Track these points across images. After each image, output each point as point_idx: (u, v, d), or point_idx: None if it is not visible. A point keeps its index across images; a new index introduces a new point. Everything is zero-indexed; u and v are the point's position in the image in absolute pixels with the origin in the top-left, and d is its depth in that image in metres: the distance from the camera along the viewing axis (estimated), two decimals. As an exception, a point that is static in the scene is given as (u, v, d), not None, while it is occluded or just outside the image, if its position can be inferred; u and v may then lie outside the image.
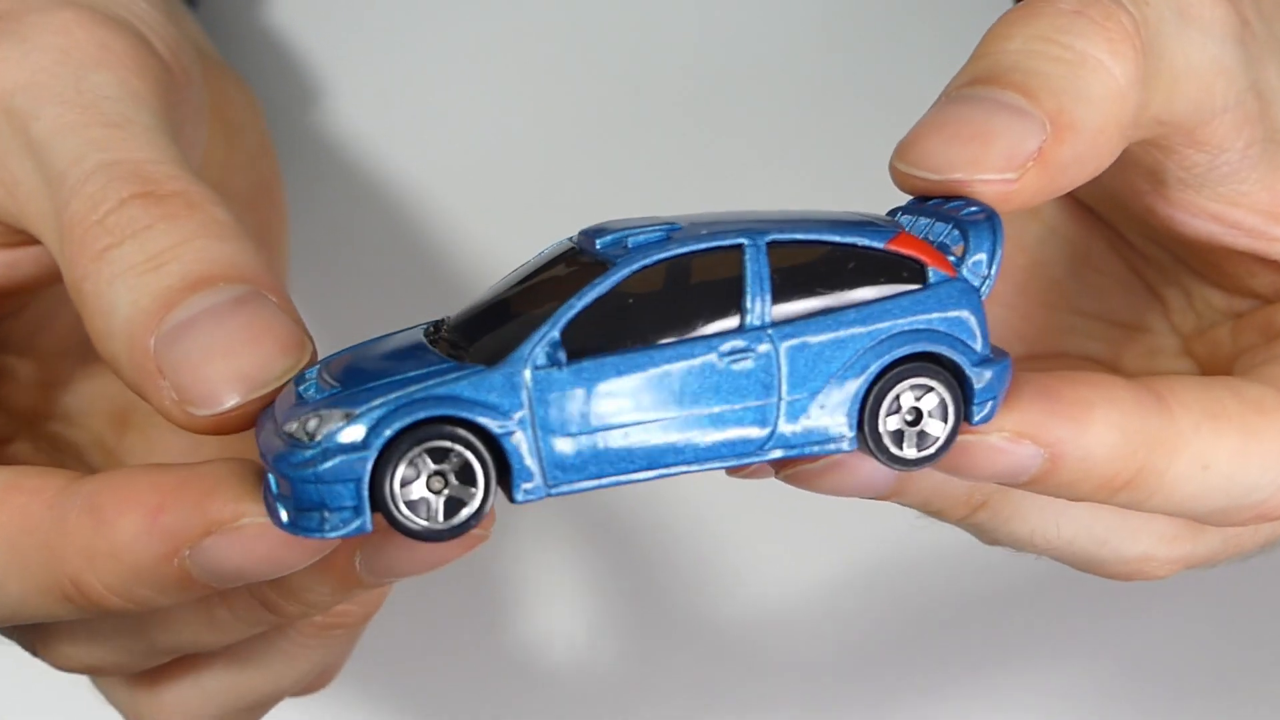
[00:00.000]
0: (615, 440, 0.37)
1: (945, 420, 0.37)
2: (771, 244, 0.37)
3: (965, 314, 0.38)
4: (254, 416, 0.38)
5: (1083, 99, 0.38)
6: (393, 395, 0.36)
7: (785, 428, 0.37)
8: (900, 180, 0.39)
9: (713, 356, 0.37)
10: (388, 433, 0.35)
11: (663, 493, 0.64)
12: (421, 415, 0.35)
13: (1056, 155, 0.37)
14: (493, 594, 0.65)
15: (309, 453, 0.35)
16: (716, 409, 0.37)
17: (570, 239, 0.39)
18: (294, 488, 0.36)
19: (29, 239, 0.44)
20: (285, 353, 0.38)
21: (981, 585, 0.65)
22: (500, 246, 0.63)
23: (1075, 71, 0.38)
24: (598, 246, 0.38)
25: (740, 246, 0.37)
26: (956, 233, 0.38)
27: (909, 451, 0.37)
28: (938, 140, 0.38)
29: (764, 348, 0.37)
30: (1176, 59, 0.40)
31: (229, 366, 0.37)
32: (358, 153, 0.64)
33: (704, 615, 0.65)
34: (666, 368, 0.37)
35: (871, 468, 0.39)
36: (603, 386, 0.37)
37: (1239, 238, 0.43)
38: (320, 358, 0.39)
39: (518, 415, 0.36)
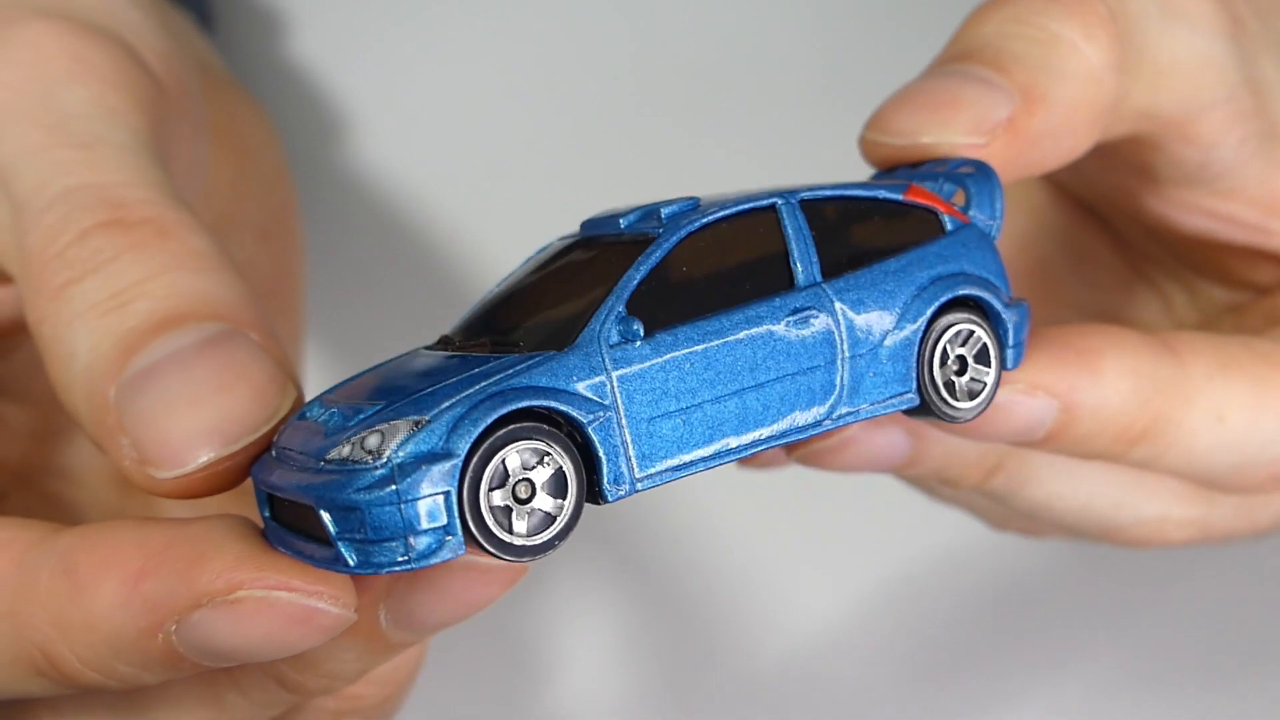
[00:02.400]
0: (699, 418, 0.33)
1: (988, 365, 0.36)
2: (803, 202, 0.35)
3: (987, 257, 0.37)
4: (233, 476, 0.33)
5: (1055, 75, 0.37)
6: (465, 394, 0.31)
7: (854, 386, 0.35)
8: (869, 151, 0.38)
9: (779, 320, 0.34)
10: (475, 431, 0.30)
11: (682, 525, 0.62)
12: (505, 410, 0.31)
13: (1027, 125, 0.37)
14: (519, 657, 0.62)
15: (379, 472, 0.30)
16: (789, 375, 0.34)
17: (563, 238, 0.37)
18: (368, 516, 0.30)
19: (6, 276, 0.41)
20: (262, 402, 0.33)
21: (1008, 602, 0.63)
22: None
23: (1047, 50, 0.38)
24: (623, 225, 0.35)
25: (774, 206, 0.35)
26: (950, 186, 0.38)
27: (963, 403, 0.36)
28: (906, 109, 0.37)
29: (823, 307, 0.35)
30: (1160, 52, 0.39)
31: (195, 420, 0.32)
32: (380, 184, 0.62)
33: (740, 658, 0.62)
34: (738, 335, 0.34)
35: (885, 440, 0.38)
36: (684, 360, 0.33)
37: (1236, 232, 0.42)
38: (330, 395, 0.34)
39: (605, 401, 0.32)
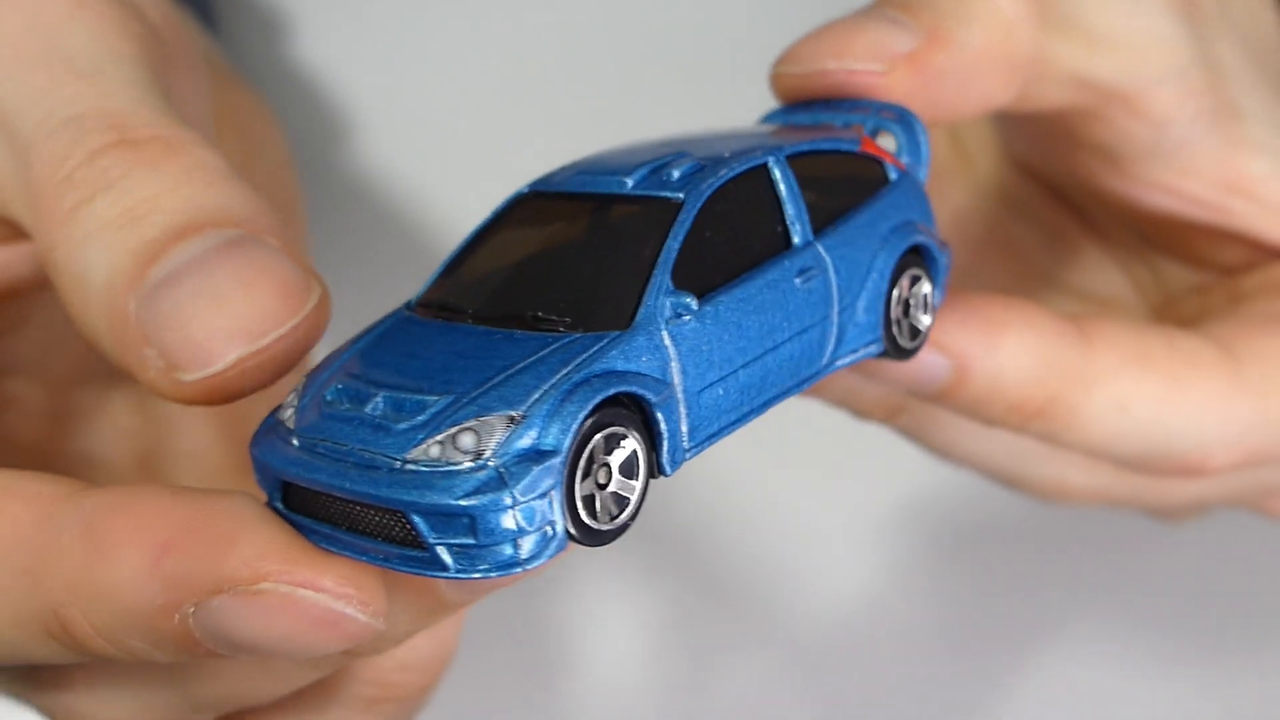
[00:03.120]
0: (734, 384, 0.33)
1: (927, 308, 0.37)
2: (789, 158, 0.35)
3: (924, 204, 0.38)
4: (261, 375, 0.32)
5: (962, 19, 0.38)
6: (550, 384, 0.30)
7: (840, 338, 0.36)
8: (776, 85, 0.39)
9: (792, 281, 0.35)
10: (574, 425, 0.29)
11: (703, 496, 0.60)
12: (599, 399, 0.30)
13: (929, 60, 0.38)
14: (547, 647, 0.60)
15: (483, 474, 0.29)
16: (798, 333, 0.35)
17: (536, 191, 0.36)
18: (480, 522, 0.29)
19: (12, 233, 0.39)
20: (287, 296, 0.32)
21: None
22: None
23: None
24: (631, 185, 0.34)
25: (767, 165, 0.35)
26: (872, 124, 0.38)
27: (908, 344, 0.37)
28: (812, 41, 0.38)
29: (820, 265, 0.35)
30: (1096, 19, 0.39)
31: (221, 317, 0.31)
32: (383, 184, 0.61)
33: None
34: (764, 299, 0.34)
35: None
36: (726, 329, 0.33)
37: (1197, 211, 0.42)
38: (337, 374, 0.33)
39: (667, 379, 0.31)
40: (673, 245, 0.32)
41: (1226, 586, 0.61)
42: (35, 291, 0.42)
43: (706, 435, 0.32)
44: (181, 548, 0.30)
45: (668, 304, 0.32)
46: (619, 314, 0.31)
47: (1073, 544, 0.62)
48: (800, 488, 0.61)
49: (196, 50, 0.43)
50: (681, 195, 0.33)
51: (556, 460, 0.29)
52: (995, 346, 0.38)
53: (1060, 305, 0.48)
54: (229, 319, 0.31)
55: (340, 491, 0.30)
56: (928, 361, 0.38)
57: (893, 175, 0.38)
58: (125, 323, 0.32)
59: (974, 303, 0.39)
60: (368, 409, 0.30)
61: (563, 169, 0.36)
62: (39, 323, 0.44)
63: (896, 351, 0.37)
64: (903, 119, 0.38)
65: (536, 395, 0.29)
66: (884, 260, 0.36)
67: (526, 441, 0.29)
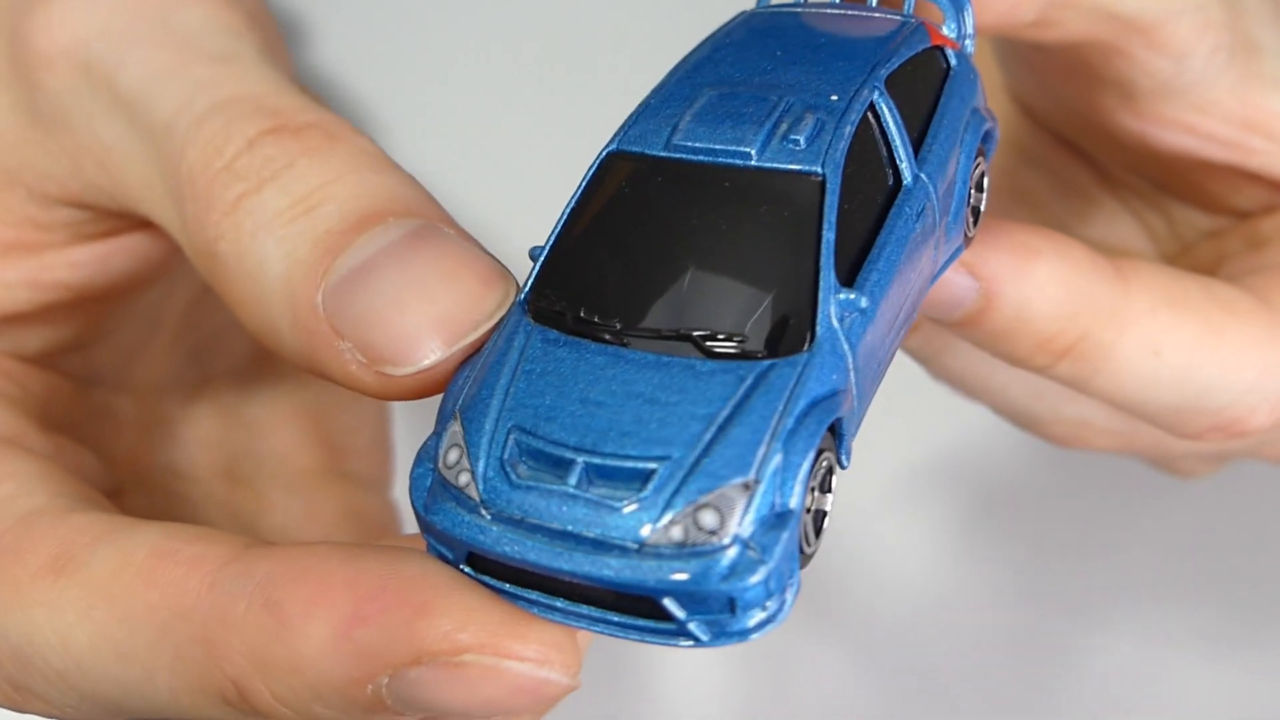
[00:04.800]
0: (886, 353, 0.32)
1: (983, 187, 0.36)
2: (887, 83, 0.33)
3: (978, 85, 0.36)
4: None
5: None
6: (768, 435, 0.27)
7: (943, 251, 0.34)
8: None
9: (916, 230, 0.32)
10: (803, 477, 0.28)
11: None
12: (817, 442, 0.28)
13: None
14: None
15: (734, 551, 0.27)
16: (921, 270, 0.33)
17: (621, 152, 0.32)
18: (739, 600, 0.27)
19: (118, 227, 0.37)
20: (489, 287, 0.30)
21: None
22: None
23: None
24: (757, 158, 0.30)
25: (873, 103, 0.32)
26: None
27: (970, 230, 0.35)
28: None
29: (927, 196, 0.33)
30: None
31: (426, 311, 0.30)
32: None
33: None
34: (898, 256, 0.31)
35: None
36: (883, 305, 0.31)
37: (1214, 149, 0.41)
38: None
39: (848, 384, 0.29)
40: (829, 237, 0.30)
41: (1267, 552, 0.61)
42: (125, 295, 0.40)
43: (864, 414, 0.31)
44: (373, 619, 0.29)
45: (835, 306, 0.29)
46: (798, 329, 0.29)
47: (1101, 503, 0.61)
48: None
49: (274, 25, 0.41)
50: (820, 169, 0.30)
51: (795, 518, 0.28)
52: (1026, 273, 0.37)
53: None
54: (436, 313, 0.30)
55: (572, 576, 0.28)
56: (954, 282, 0.37)
57: (953, 61, 0.35)
58: (313, 316, 0.31)
59: (1008, 227, 0.37)
60: (571, 481, 0.28)
61: (643, 117, 0.32)
62: (121, 333, 0.42)
63: (965, 242, 0.35)
64: None
65: (761, 453, 0.27)
66: (964, 163, 0.35)
67: (765, 508, 0.27)
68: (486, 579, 0.29)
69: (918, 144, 0.33)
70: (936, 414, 0.48)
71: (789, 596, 0.28)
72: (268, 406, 0.45)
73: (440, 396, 0.31)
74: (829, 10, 0.36)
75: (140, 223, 0.37)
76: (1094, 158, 0.47)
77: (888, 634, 0.60)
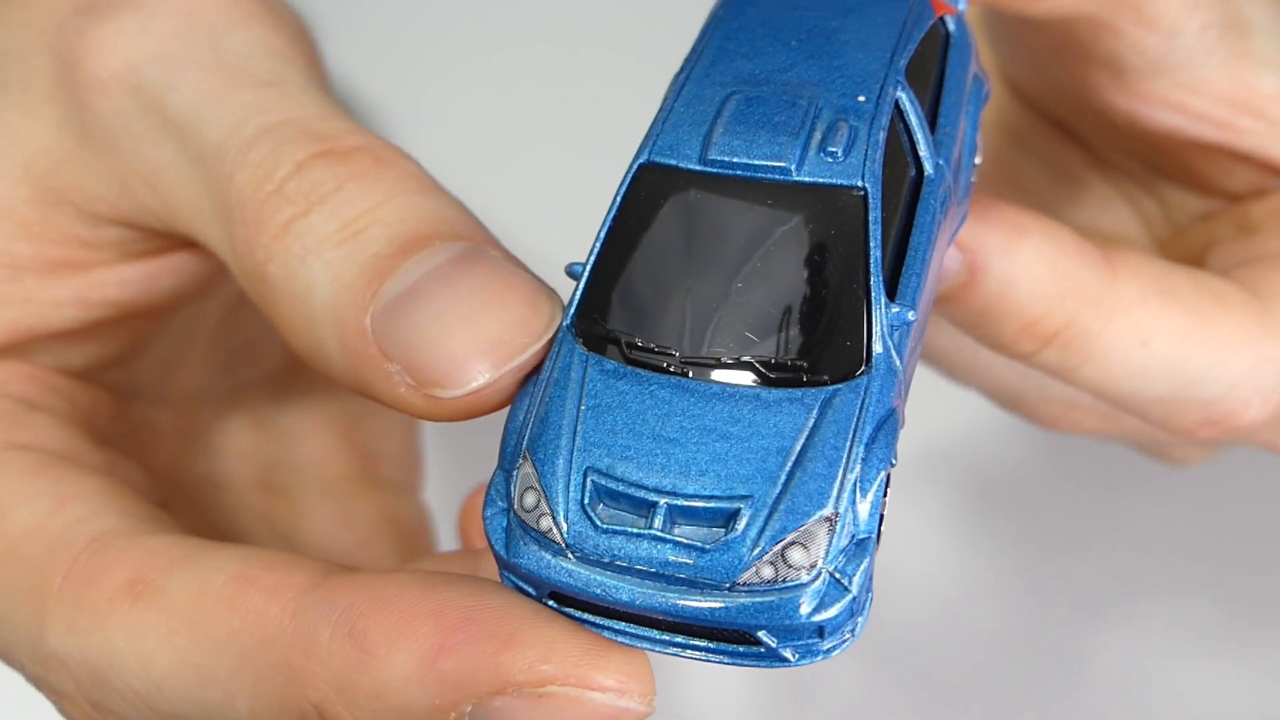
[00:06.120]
0: (917, 353, 0.32)
1: (976, 148, 0.36)
2: (906, 74, 0.33)
3: (973, 46, 0.36)
4: (509, 394, 0.31)
5: None
6: (843, 467, 0.28)
7: (954, 224, 0.35)
8: None
9: (939, 215, 0.33)
10: (879, 503, 0.29)
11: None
12: (887, 468, 0.29)
13: None
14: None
15: (822, 583, 0.28)
16: (943, 250, 0.34)
17: (653, 165, 0.31)
18: (829, 625, 0.28)
19: (164, 246, 0.38)
20: (536, 310, 0.31)
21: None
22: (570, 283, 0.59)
23: None
24: (798, 173, 0.31)
25: (899, 101, 0.32)
26: None
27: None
28: None
29: (944, 179, 0.33)
30: None
31: (474, 334, 0.30)
32: None
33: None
34: (928, 253, 0.32)
35: None
36: (921, 307, 0.31)
37: (1205, 129, 0.41)
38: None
39: (903, 394, 0.30)
40: (876, 254, 0.30)
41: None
42: (169, 312, 0.41)
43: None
44: (459, 650, 0.30)
45: (889, 322, 0.30)
46: (855, 351, 0.30)
47: (1100, 496, 0.61)
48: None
49: (315, 43, 0.42)
50: (861, 183, 0.30)
51: (872, 544, 0.29)
52: (1012, 250, 0.36)
53: None
54: (483, 335, 0.31)
55: (667, 615, 0.29)
56: None
57: (952, 28, 0.35)
58: (362, 339, 0.31)
59: (997, 204, 0.37)
60: (656, 523, 0.29)
61: (671, 123, 0.32)
62: (160, 346, 0.43)
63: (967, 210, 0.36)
64: None
65: (838, 486, 0.28)
66: (970, 133, 0.35)
67: (846, 538, 0.28)
68: (570, 611, 0.30)
69: (930, 122, 0.34)
70: (932, 406, 0.49)
71: (866, 612, 0.29)
72: (301, 415, 0.46)
73: (481, 420, 0.32)
74: None
75: (186, 242, 0.37)
76: (1087, 140, 0.47)
77: (890, 628, 0.61)
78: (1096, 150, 0.47)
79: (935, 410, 0.54)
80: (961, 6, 0.36)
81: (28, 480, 0.36)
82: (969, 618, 0.61)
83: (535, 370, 0.31)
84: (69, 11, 0.37)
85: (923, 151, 0.33)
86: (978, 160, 0.36)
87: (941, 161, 0.33)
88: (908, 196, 0.32)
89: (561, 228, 0.57)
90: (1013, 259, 0.36)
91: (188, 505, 0.43)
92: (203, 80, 0.35)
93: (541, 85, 0.61)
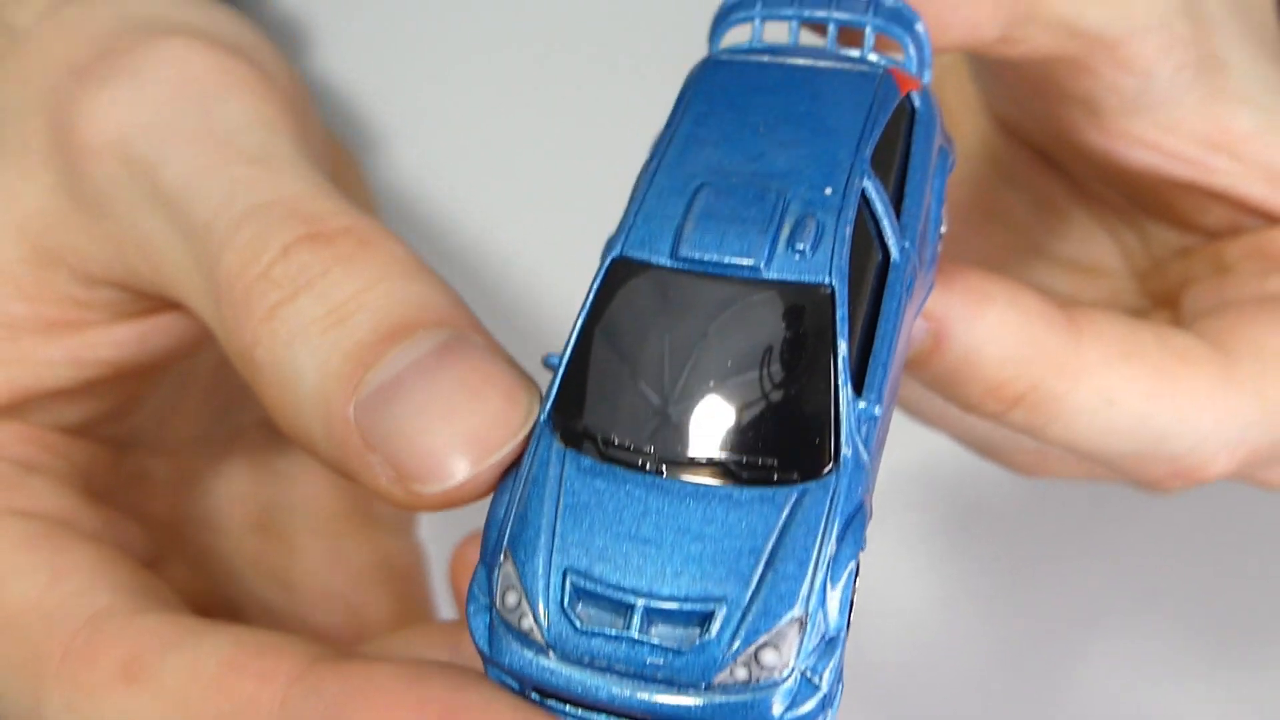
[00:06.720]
0: (885, 437, 0.33)
1: (943, 219, 0.37)
2: (871, 162, 0.33)
3: (938, 119, 0.36)
4: (490, 485, 0.31)
5: None
6: (812, 566, 0.29)
7: (920, 300, 0.35)
8: None
9: (905, 301, 0.33)
10: (848, 602, 0.29)
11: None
12: (854, 564, 0.30)
13: None
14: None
15: (793, 683, 0.29)
16: (909, 329, 0.34)
17: (621, 260, 0.32)
18: (803, 719, 0.29)
19: (157, 306, 0.39)
20: (514, 404, 0.31)
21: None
22: (566, 290, 0.58)
23: None
24: (768, 272, 0.31)
25: (864, 191, 0.32)
26: (876, 24, 0.36)
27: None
28: None
29: (910, 256, 0.33)
30: None
31: (453, 431, 0.31)
32: (407, 200, 0.60)
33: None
34: (896, 341, 0.32)
35: None
36: (887, 398, 0.32)
37: (1179, 168, 0.41)
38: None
39: (871, 486, 0.31)
40: (844, 350, 0.31)
41: (1250, 576, 0.61)
42: (164, 368, 0.41)
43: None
44: None
45: (857, 418, 0.31)
46: (824, 448, 0.30)
47: (1073, 520, 0.61)
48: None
49: (309, 103, 0.42)
50: (828, 280, 0.31)
51: (841, 640, 0.30)
52: (976, 317, 0.37)
53: (1047, 274, 0.48)
54: (464, 430, 0.31)
55: (647, 714, 0.29)
56: None
57: (917, 103, 0.36)
58: (346, 429, 0.32)
59: (962, 271, 0.38)
60: (634, 624, 0.29)
61: (642, 217, 0.32)
62: (156, 397, 0.43)
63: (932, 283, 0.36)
64: (903, 17, 0.36)
65: (807, 586, 0.29)
66: (935, 208, 0.35)
67: (816, 638, 0.29)
68: (553, 704, 0.30)
69: (896, 203, 0.34)
70: (910, 426, 0.49)
71: (837, 703, 0.30)
72: (296, 455, 0.47)
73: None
74: (793, 59, 0.36)
75: (178, 303, 0.38)
76: (1069, 171, 0.47)
77: (870, 651, 0.61)
78: (1080, 181, 0.47)
79: (915, 433, 0.55)
80: (926, 79, 0.36)
81: (25, 551, 0.36)
82: (950, 645, 0.61)
83: (516, 462, 0.32)
84: (64, 73, 0.38)
85: (889, 238, 0.33)
86: (943, 230, 0.37)
87: (907, 244, 0.33)
88: (874, 282, 0.33)
89: (562, 228, 0.57)
90: (977, 326, 0.37)
91: (183, 552, 0.44)
92: (193, 155, 0.36)
93: (541, 88, 0.61)
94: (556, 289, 0.60)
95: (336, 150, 0.52)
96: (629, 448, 0.31)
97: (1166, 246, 0.46)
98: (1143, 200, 0.45)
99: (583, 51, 0.61)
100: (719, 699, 0.29)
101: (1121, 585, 0.61)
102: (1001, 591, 0.61)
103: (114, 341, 0.39)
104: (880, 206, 0.33)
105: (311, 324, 0.33)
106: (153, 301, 0.38)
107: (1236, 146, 0.41)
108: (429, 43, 0.61)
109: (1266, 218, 0.43)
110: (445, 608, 0.48)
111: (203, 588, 0.44)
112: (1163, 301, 0.47)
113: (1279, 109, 0.41)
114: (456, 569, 0.42)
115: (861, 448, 0.31)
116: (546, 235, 0.59)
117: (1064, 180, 0.48)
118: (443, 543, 0.48)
